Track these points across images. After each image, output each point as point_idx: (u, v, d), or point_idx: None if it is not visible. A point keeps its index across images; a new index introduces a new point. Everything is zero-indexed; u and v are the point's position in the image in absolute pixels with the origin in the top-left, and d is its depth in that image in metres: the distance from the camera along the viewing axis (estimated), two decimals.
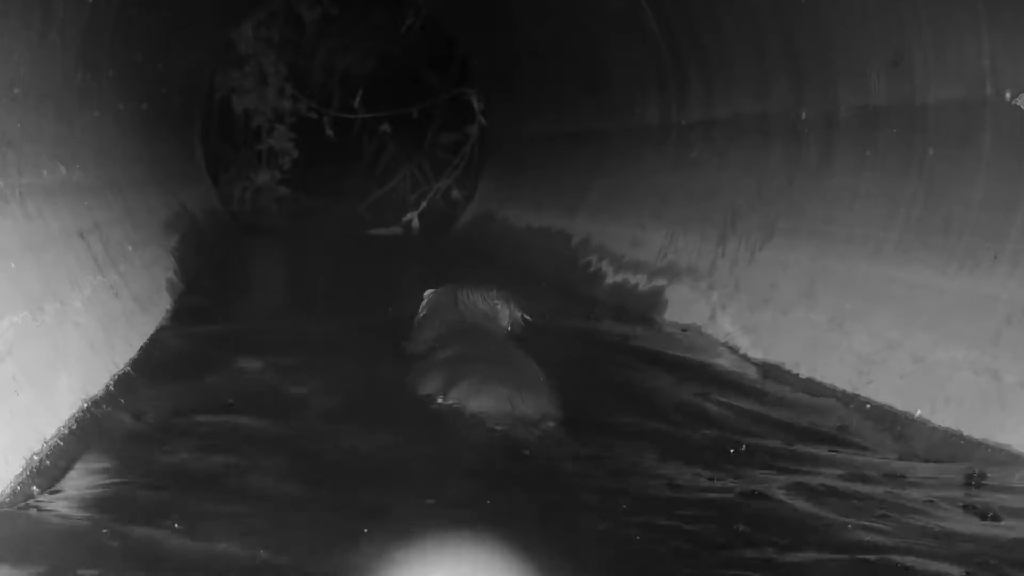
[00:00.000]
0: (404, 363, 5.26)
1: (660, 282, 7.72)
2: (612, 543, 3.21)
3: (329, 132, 16.53)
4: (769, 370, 5.75)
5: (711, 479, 3.81)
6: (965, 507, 3.61)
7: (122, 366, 4.98)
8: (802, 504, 3.56)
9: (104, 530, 3.12)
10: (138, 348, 5.44)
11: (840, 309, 5.62)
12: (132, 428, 4.28)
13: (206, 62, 14.38)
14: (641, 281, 8.03)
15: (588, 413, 4.61)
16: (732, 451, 4.16)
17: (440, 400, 4.54)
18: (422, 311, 5.92)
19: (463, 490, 3.61)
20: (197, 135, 14.50)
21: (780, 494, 3.63)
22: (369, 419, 4.40)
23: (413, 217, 15.03)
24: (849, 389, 5.12)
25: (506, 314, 5.90)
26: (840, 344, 5.44)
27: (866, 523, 3.40)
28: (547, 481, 3.78)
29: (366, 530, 3.19)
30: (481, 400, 4.44)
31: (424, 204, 15.54)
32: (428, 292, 6.04)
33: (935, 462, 4.20)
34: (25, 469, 3.47)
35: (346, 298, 7.15)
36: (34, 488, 3.42)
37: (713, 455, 4.11)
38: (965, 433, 4.40)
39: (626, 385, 5.35)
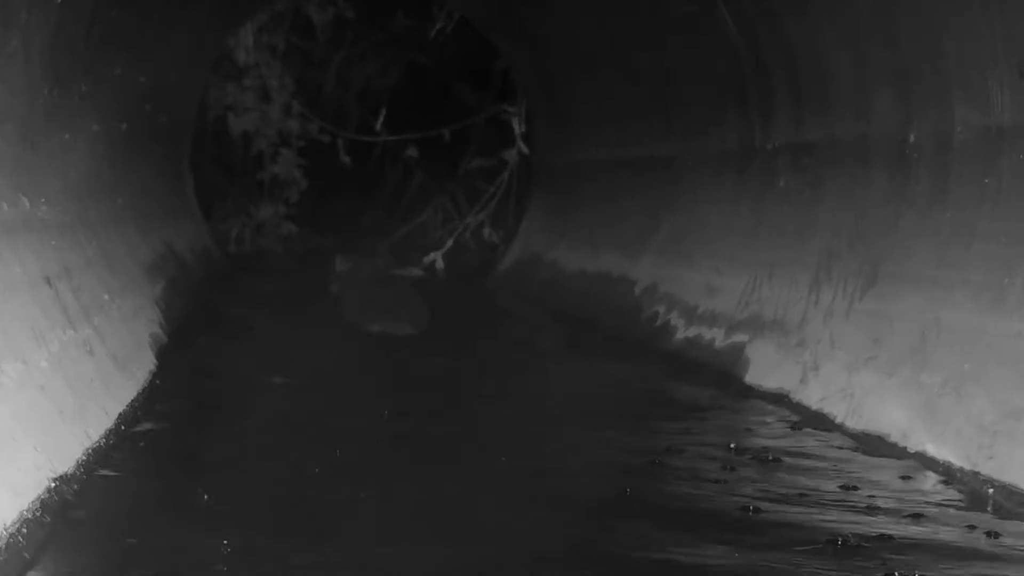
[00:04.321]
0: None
1: (741, 337, 7.73)
2: None
3: (345, 158, 16.68)
4: (871, 442, 5.74)
5: None
6: None
7: (96, 438, 5.02)
8: None
9: None
10: (116, 416, 5.48)
11: (956, 370, 5.61)
12: (107, 511, 4.31)
13: (198, 74, 14.52)
14: (718, 336, 8.04)
15: None
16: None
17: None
18: (340, 266, 12.29)
19: None
20: (187, 162, 14.62)
21: None
22: None
23: (437, 257, 15.03)
24: (967, 466, 5.11)
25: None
26: (956, 412, 5.43)
27: None
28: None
29: None
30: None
31: (450, 242, 15.57)
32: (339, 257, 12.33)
33: None
34: None
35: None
36: None
37: None
38: None
39: None
